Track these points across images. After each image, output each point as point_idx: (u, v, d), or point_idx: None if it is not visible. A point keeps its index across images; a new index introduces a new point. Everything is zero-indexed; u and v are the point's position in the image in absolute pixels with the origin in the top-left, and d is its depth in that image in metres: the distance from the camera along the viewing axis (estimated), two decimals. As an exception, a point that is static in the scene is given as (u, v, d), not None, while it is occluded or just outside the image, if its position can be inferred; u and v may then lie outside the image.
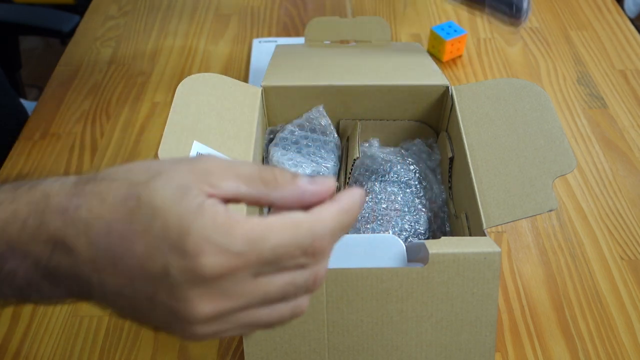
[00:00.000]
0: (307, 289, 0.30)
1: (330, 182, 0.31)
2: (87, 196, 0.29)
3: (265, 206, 0.35)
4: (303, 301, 0.31)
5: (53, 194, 0.30)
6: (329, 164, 0.53)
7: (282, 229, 0.28)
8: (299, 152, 0.54)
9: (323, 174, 0.49)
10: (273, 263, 0.28)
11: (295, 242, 0.28)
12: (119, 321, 0.56)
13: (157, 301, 0.28)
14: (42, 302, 0.33)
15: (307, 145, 0.53)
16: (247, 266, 0.27)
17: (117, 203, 0.28)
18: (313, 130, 0.52)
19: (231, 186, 0.29)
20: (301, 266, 0.29)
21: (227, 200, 0.29)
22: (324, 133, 0.53)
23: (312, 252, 0.29)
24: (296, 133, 0.52)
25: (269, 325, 0.31)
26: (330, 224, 0.29)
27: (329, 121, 0.53)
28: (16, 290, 0.31)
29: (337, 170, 0.56)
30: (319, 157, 0.53)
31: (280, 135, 0.58)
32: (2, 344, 0.55)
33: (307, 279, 0.30)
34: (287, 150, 0.55)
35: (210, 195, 0.28)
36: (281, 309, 0.30)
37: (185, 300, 0.27)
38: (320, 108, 0.53)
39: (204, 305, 0.28)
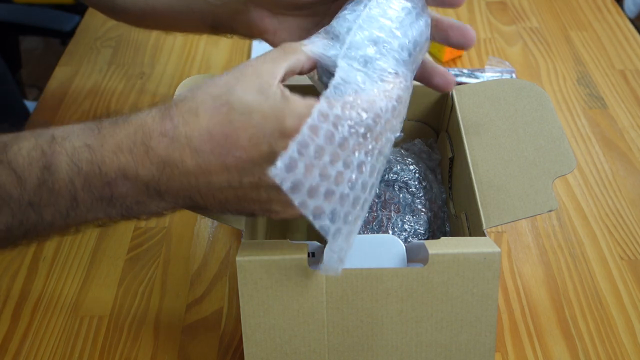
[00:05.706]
0: None
1: None
2: (179, 116, 0.34)
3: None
4: None
5: (148, 124, 0.35)
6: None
7: None
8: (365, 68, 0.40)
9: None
10: None
11: None
12: (119, 321, 0.56)
13: (262, 183, 0.34)
14: (146, 217, 0.38)
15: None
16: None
17: (211, 112, 0.33)
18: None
19: (287, 71, 0.36)
20: None
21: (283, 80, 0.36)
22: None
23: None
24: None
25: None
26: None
27: None
28: (124, 210, 0.36)
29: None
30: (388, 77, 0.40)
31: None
32: (2, 344, 0.55)
33: None
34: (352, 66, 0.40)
35: (281, 84, 0.35)
36: None
37: None
38: None
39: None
